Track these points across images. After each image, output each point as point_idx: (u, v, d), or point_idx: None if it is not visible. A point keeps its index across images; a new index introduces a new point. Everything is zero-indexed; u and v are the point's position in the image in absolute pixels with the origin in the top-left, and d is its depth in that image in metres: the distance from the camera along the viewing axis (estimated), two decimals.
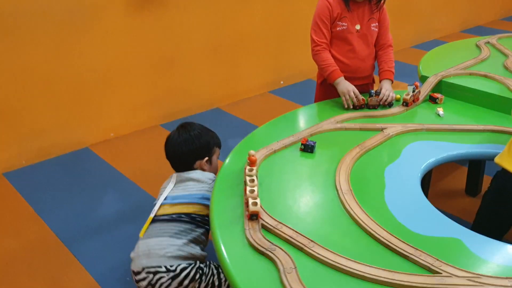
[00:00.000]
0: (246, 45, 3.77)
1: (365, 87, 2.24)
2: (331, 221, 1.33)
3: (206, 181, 1.70)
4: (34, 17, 2.64)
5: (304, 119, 1.99)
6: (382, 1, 2.14)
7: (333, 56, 2.15)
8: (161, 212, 1.64)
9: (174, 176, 1.75)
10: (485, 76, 2.30)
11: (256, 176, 1.44)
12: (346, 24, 2.10)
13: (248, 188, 1.35)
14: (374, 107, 2.08)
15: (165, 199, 1.66)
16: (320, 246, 1.19)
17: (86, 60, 2.91)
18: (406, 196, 1.45)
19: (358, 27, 2.13)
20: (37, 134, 2.84)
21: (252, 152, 1.50)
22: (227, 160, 1.64)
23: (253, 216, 1.29)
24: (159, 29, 3.19)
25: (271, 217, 1.30)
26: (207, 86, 3.62)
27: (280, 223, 1.27)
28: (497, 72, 2.33)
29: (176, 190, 1.69)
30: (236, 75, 3.82)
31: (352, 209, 1.34)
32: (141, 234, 1.62)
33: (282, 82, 4.16)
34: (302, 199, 1.43)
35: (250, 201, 1.28)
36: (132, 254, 1.61)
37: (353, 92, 2.05)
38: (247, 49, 3.78)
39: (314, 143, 1.70)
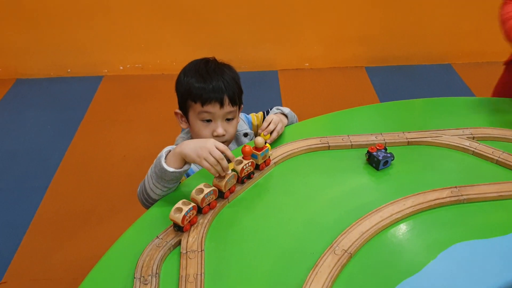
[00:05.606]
0: None
1: None
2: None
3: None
4: None
5: (426, 118, 1.28)
6: None
7: None
8: None
9: None
10: None
11: (237, 178, 1.03)
12: None
13: (200, 185, 0.97)
14: None
15: None
16: None
17: None
18: None
19: None
20: (229, 47, 2.84)
21: (259, 139, 1.06)
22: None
23: (175, 227, 0.93)
24: None
25: (201, 249, 0.92)
26: (440, 34, 2.84)
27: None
28: None
29: None
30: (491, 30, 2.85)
31: None
32: None
33: None
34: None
35: (177, 204, 0.93)
36: None
37: None
38: None
39: (390, 156, 1.09)
